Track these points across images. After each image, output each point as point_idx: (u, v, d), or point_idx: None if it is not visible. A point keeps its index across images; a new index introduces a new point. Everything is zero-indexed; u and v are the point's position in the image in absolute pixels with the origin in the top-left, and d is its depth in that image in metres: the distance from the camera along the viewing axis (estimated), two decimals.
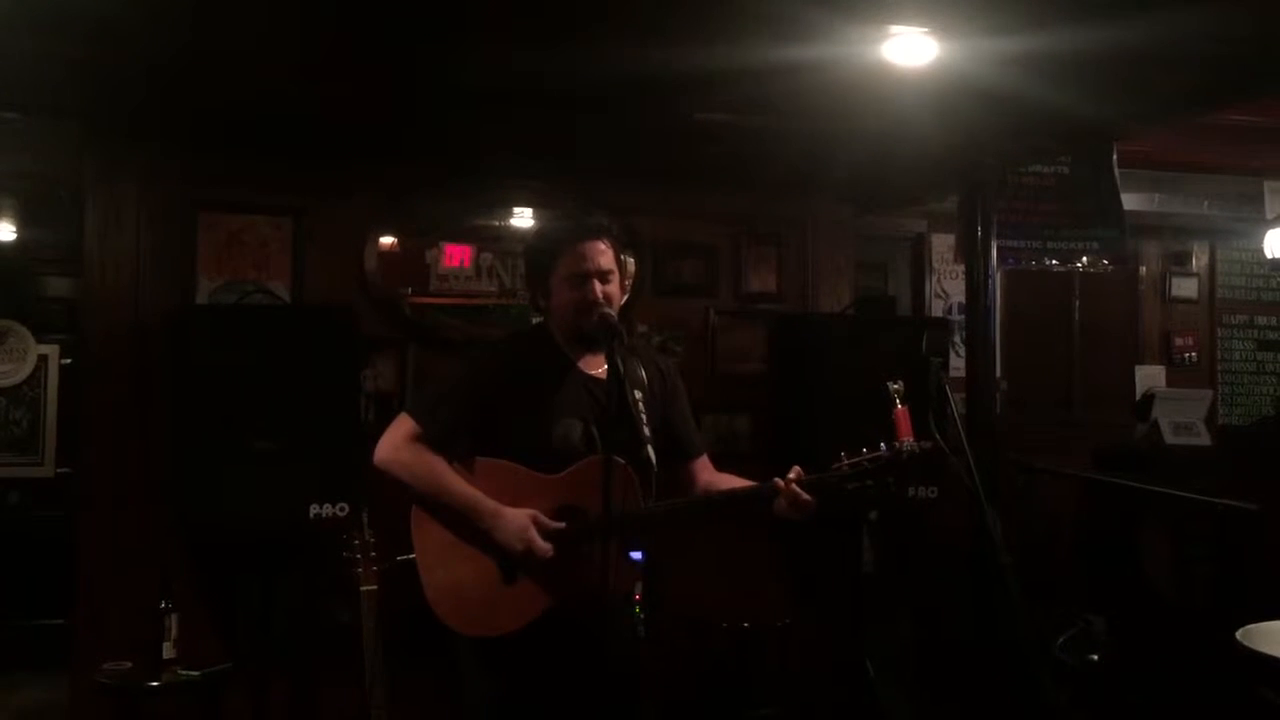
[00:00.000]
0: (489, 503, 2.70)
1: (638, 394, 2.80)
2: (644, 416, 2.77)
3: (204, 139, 4.45)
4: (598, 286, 2.75)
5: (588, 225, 2.85)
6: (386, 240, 4.83)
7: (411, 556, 2.79)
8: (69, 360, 6.75)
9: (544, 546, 2.66)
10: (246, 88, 3.90)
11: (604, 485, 2.46)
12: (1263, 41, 3.36)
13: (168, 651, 3.93)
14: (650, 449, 2.74)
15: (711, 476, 2.97)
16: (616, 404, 2.67)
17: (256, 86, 3.88)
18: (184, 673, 3.90)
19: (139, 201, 4.49)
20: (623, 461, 2.61)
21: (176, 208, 4.54)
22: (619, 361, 2.68)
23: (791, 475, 2.68)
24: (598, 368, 2.82)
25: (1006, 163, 4.86)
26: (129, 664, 3.94)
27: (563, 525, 2.69)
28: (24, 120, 4.26)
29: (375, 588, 3.69)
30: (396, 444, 2.75)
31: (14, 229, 6.46)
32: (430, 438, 2.74)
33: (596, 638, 2.58)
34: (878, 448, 2.66)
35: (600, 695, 2.64)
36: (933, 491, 4.84)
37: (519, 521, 2.67)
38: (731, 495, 2.84)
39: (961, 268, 5.10)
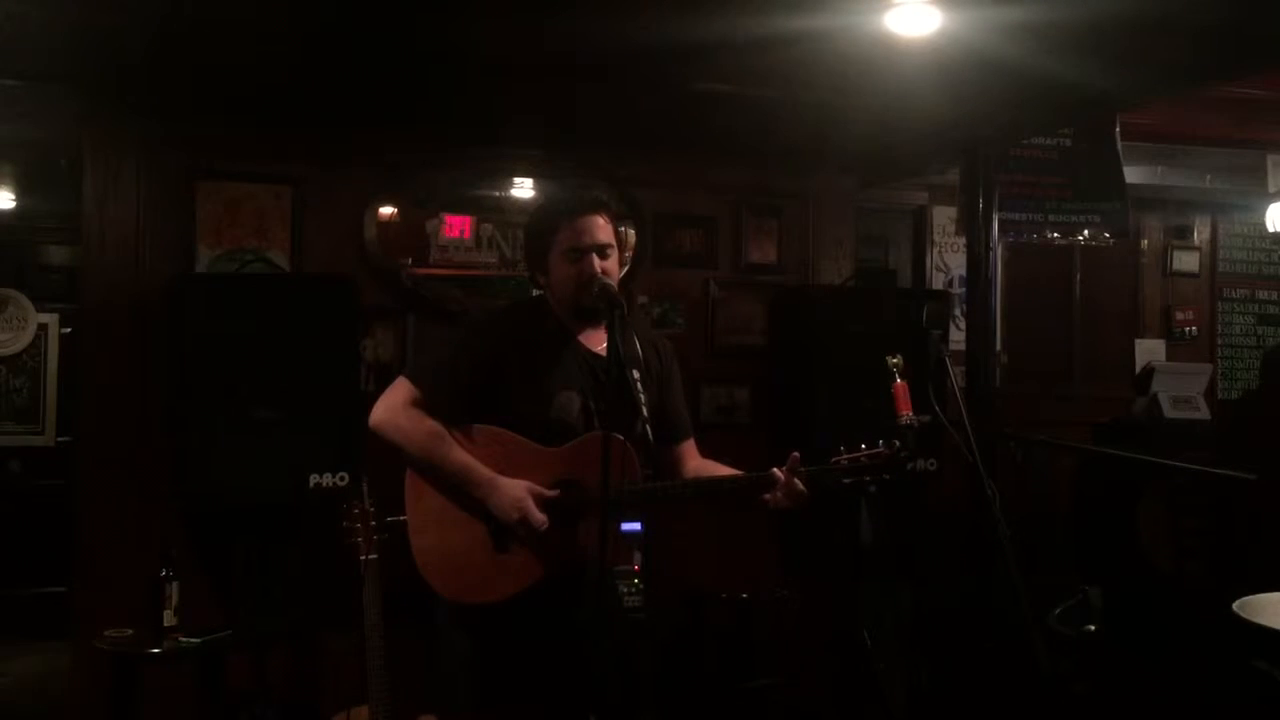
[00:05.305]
0: (485, 471, 2.68)
1: (635, 373, 2.78)
2: (641, 395, 2.76)
3: (203, 107, 4.42)
4: (595, 261, 2.73)
5: (584, 200, 2.81)
6: (386, 210, 4.82)
7: (403, 518, 2.76)
8: (69, 329, 6.77)
9: (539, 518, 2.65)
10: (245, 55, 3.87)
11: (603, 461, 2.43)
12: (1266, 12, 3.34)
13: (168, 619, 3.93)
14: (647, 426, 2.73)
15: (699, 463, 2.94)
16: (615, 378, 2.65)
17: (255, 54, 3.86)
18: (185, 640, 3.91)
19: (138, 170, 4.47)
20: (623, 438, 2.60)
21: (176, 176, 4.52)
22: (619, 335, 2.66)
23: (788, 466, 2.68)
24: (598, 344, 2.80)
25: (1008, 135, 4.84)
26: (130, 631, 3.95)
27: (557, 493, 2.68)
28: (22, 88, 4.22)
29: (376, 557, 3.69)
30: (393, 407, 2.74)
31: (13, 197, 6.46)
32: (428, 403, 2.72)
33: (582, 611, 2.55)
34: (875, 444, 2.69)
35: (580, 668, 2.58)
36: (932, 463, 4.86)
37: (515, 492, 2.66)
38: (731, 480, 2.81)
39: (962, 241, 5.08)
